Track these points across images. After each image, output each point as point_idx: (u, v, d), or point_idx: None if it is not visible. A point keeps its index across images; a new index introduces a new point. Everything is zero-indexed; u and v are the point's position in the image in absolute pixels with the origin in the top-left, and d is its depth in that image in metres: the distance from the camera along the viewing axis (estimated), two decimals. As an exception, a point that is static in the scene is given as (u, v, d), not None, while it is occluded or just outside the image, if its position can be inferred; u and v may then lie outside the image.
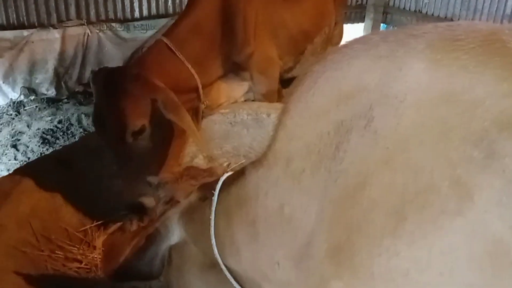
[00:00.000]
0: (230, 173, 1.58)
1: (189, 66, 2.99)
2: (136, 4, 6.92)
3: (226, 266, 1.59)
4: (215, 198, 1.48)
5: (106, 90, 2.60)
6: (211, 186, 1.59)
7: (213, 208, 1.47)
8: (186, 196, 1.71)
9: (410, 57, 1.06)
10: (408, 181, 0.97)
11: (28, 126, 5.67)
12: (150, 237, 1.66)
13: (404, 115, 1.02)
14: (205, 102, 3.26)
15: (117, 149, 2.63)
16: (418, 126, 0.99)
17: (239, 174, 1.49)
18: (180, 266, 1.72)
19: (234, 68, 3.38)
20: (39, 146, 5.42)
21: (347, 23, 8.74)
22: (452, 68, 1.00)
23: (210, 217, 1.48)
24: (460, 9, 7.48)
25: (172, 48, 2.95)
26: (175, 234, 1.67)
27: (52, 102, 6.44)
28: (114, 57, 6.79)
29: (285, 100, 1.36)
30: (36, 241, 2.43)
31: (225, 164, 2.23)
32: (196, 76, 3.04)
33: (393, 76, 1.06)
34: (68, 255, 2.48)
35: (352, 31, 8.66)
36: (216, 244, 1.56)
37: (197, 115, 3.28)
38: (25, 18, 6.23)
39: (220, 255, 1.57)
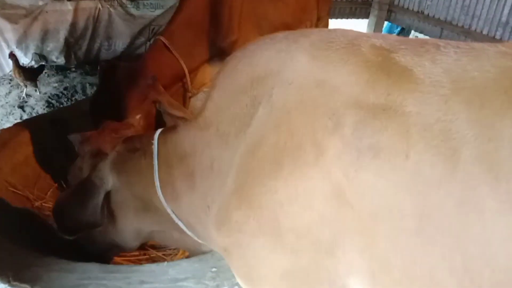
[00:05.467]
0: (160, 129, 1.87)
1: (182, 62, 3.40)
2: (147, -16, 7.23)
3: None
4: (155, 148, 1.79)
5: (121, 82, 2.95)
6: (139, 139, 1.90)
7: (155, 157, 1.79)
8: (112, 148, 1.96)
9: (298, 52, 1.41)
10: (287, 140, 1.33)
11: (36, 90, 6.06)
12: (87, 190, 1.89)
13: (290, 94, 1.37)
14: (192, 91, 3.65)
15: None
16: (298, 102, 1.35)
17: (171, 130, 1.82)
18: (115, 211, 1.98)
19: (219, 53, 3.71)
20: (44, 109, 5.80)
21: (352, 18, 9.03)
22: (324, 62, 1.35)
23: (153, 163, 1.78)
24: (460, 14, 7.69)
25: (169, 46, 3.35)
26: (109, 182, 1.91)
27: (60, 69, 6.82)
28: (123, 32, 7.11)
29: (213, 77, 1.71)
30: (23, 186, 2.83)
31: (138, 116, 2.56)
32: (186, 70, 3.44)
33: (287, 65, 1.42)
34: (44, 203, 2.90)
35: (357, 26, 8.93)
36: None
37: (184, 102, 3.68)
38: (41, -12, 6.58)
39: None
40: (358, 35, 1.40)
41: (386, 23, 9.24)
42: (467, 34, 7.54)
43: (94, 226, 1.93)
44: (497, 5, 7.08)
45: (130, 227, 2.02)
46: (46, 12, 6.59)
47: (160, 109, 2.91)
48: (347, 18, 8.87)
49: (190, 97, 3.63)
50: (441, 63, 1.22)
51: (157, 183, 1.80)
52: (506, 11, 6.97)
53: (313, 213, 1.28)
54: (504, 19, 7.02)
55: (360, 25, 9.00)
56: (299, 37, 1.46)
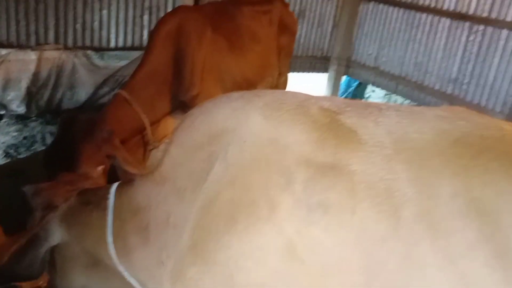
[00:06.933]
0: (117, 183, 1.86)
1: (143, 116, 3.47)
2: (112, 35, 7.32)
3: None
4: (111, 202, 1.77)
5: (78, 133, 2.97)
6: (94, 192, 1.89)
7: (110, 211, 1.76)
8: (65, 201, 1.92)
9: (253, 111, 1.48)
10: (242, 196, 1.37)
11: (-7, 139, 5.94)
12: (30, 241, 1.80)
13: (245, 151, 1.43)
14: (153, 144, 3.70)
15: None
16: (252, 159, 1.40)
17: (128, 184, 1.82)
18: (63, 266, 1.91)
19: (181, 106, 3.81)
20: (1, 159, 5.69)
21: (312, 72, 9.37)
22: (276, 121, 1.42)
23: (107, 218, 1.76)
24: (413, 70, 8.12)
25: (130, 101, 3.42)
26: (56, 236, 1.85)
27: (20, 118, 6.71)
28: (86, 82, 7.09)
29: (172, 133, 1.75)
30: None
31: (99, 168, 2.52)
32: (147, 123, 3.50)
33: (242, 123, 1.48)
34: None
35: (317, 80, 9.28)
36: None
37: (144, 154, 3.72)
38: (5, 37, 6.54)
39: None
40: (308, 97, 1.50)
41: (344, 77, 9.63)
42: (420, 89, 7.94)
43: (28, 279, 1.88)
44: (447, 62, 7.54)
45: (76, 283, 1.94)
46: (9, 61, 6.53)
47: (115, 164, 2.92)
48: (308, 72, 9.20)
49: (151, 150, 3.67)
50: (383, 124, 1.31)
51: (110, 239, 1.77)
52: (455, 68, 7.42)
53: (267, 269, 1.31)
54: (454, 75, 7.46)
55: (319, 78, 9.34)
56: (253, 97, 1.54)
